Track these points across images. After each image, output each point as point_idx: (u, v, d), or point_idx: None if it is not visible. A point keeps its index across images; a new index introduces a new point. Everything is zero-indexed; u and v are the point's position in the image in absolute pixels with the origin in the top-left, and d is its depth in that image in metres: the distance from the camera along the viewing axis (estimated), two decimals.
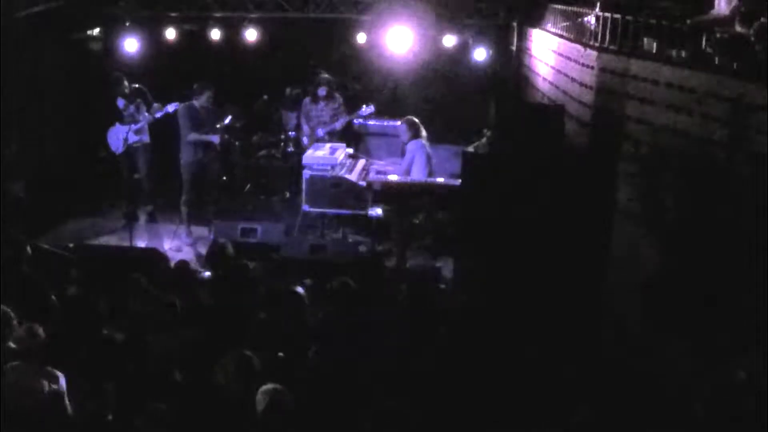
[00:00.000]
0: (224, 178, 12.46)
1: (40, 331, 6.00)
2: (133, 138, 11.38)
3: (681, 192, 6.48)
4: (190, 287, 7.44)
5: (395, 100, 13.98)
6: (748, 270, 5.51)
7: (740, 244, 5.67)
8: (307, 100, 12.28)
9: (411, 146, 10.73)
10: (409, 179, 10.44)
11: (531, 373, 5.99)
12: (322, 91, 12.05)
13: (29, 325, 5.98)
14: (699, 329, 5.90)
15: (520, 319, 7.09)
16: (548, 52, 10.66)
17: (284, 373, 5.63)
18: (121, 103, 11.49)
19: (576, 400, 5.44)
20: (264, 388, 5.09)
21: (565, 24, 10.02)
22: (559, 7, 10.55)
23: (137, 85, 11.65)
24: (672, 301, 6.37)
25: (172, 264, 8.52)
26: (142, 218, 11.83)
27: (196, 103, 11.19)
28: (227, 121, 11.96)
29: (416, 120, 10.86)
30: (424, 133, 10.81)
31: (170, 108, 11.31)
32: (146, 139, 11.66)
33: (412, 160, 10.65)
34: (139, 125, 11.43)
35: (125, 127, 11.37)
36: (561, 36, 9.96)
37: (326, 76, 12.20)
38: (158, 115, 11.42)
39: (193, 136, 11.13)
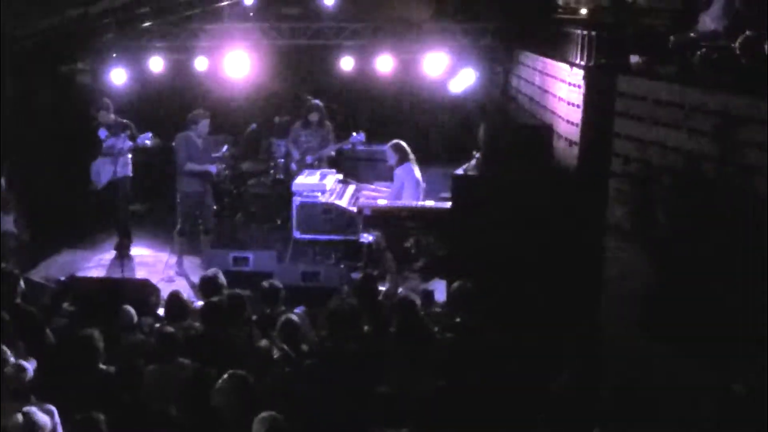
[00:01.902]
0: (215, 207, 12.44)
1: (28, 366, 5.97)
2: (119, 170, 11.24)
3: (672, 207, 6.49)
4: (183, 317, 7.41)
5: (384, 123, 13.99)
6: (741, 283, 5.51)
7: (733, 257, 5.67)
8: (297, 124, 12.22)
9: (399, 171, 10.74)
10: (398, 203, 10.44)
11: (528, 393, 5.97)
12: (313, 117, 12.00)
13: (17, 362, 5.94)
14: (695, 344, 5.89)
15: (514, 339, 7.06)
16: (535, 73, 10.69)
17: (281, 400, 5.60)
18: (103, 133, 11.30)
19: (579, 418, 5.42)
20: (261, 416, 5.06)
21: (552, 43, 10.06)
22: (546, 27, 10.60)
23: (123, 120, 11.51)
24: (667, 316, 6.36)
25: (165, 294, 8.47)
26: (133, 250, 11.77)
27: (192, 133, 11.06)
28: (224, 150, 11.93)
29: (403, 144, 10.87)
30: (412, 156, 10.82)
31: (146, 140, 11.23)
32: (129, 172, 11.53)
33: (401, 185, 10.66)
34: (117, 158, 11.22)
35: (107, 160, 11.25)
36: (548, 56, 9.99)
37: (318, 102, 12.17)
38: (139, 144, 11.34)
39: (191, 167, 11.02)
